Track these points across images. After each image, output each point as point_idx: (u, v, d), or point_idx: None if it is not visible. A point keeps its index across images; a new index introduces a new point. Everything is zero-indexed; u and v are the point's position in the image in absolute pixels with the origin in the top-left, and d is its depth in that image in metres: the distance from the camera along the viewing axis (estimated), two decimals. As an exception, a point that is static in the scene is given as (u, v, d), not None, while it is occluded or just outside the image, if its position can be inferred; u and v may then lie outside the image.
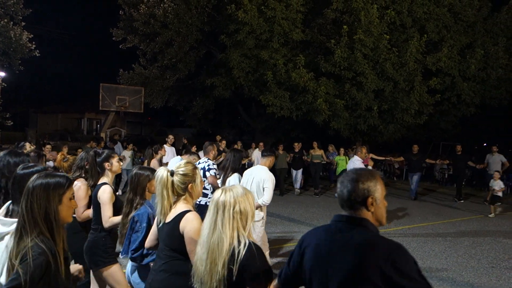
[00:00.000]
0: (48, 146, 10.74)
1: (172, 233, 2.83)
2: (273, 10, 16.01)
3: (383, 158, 15.27)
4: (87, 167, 4.46)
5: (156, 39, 20.48)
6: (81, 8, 51.23)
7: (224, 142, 14.54)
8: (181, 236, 2.79)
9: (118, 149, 15.31)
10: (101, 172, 4.25)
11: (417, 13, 16.03)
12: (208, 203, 6.60)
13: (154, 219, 3.26)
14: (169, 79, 21.53)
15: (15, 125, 27.84)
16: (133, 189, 3.73)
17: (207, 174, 6.62)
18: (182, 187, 2.88)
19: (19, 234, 2.09)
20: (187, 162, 2.97)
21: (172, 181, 2.86)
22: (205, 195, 6.62)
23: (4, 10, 19.95)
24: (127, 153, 14.33)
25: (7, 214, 2.60)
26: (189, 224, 2.78)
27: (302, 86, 15.42)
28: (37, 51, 21.43)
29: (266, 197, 5.83)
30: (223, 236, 2.30)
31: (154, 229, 3.16)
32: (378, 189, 2.03)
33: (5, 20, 19.84)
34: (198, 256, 2.38)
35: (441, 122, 18.31)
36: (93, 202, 4.10)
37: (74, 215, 4.13)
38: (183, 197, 2.91)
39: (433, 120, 17.82)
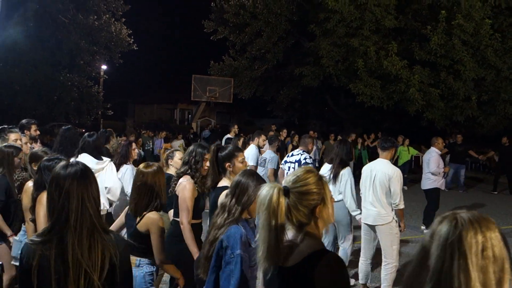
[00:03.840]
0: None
1: None
2: (365, -3, 15.50)
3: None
4: (192, 163, 3.86)
5: (245, 30, 20.80)
6: (175, 2, 53.34)
7: (296, 136, 13.70)
8: None
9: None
10: (222, 173, 3.58)
11: (527, -7, 14.67)
12: None
13: (247, 244, 2.43)
14: (258, 69, 21.79)
15: (115, 115, 29.75)
16: (236, 196, 2.64)
17: None
18: (306, 213, 1.82)
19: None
20: (307, 171, 1.90)
21: (288, 205, 1.82)
22: None
23: (106, 7, 21.39)
24: (177, 143, 13.40)
25: None
26: (332, 273, 1.73)
27: (394, 74, 14.82)
28: (135, 45, 22.78)
29: (397, 200, 4.98)
30: None
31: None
32: None
33: (107, 16, 21.28)
34: None
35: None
36: (213, 210, 3.31)
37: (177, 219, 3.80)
38: (307, 226, 1.84)
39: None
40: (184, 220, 3.58)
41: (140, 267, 3.15)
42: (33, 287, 1.79)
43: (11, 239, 4.23)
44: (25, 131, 5.98)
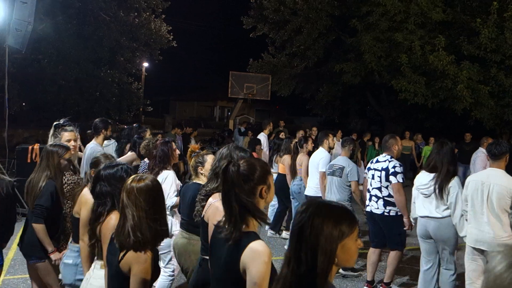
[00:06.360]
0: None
1: None
2: (410, -11, 14.81)
3: None
4: None
5: (285, 27, 20.42)
6: (214, -1, 53.62)
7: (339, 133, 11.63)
8: None
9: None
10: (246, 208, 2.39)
11: None
12: (399, 213, 5.07)
13: None
14: (297, 67, 21.37)
15: (156, 112, 30.17)
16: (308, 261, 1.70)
17: (392, 179, 5.04)
18: None
19: None
20: None
21: None
22: (390, 203, 5.10)
23: (147, 4, 21.52)
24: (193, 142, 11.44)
25: None
26: None
27: (441, 70, 14.06)
28: (175, 41, 22.87)
29: None
30: None
31: None
32: None
33: (147, 13, 21.44)
34: None
35: None
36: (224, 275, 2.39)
37: None
38: None
39: None
40: None
41: None
42: None
43: (52, 256, 3.66)
44: (103, 131, 5.89)
